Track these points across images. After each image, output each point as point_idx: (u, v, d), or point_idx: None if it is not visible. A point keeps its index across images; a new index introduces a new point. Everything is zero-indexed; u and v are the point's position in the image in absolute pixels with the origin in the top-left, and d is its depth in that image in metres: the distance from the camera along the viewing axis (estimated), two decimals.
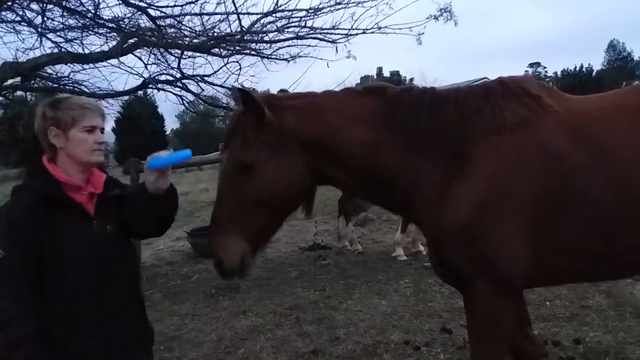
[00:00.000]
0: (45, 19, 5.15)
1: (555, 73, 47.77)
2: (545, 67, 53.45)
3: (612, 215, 2.25)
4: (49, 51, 6.69)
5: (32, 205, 1.99)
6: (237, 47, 8.30)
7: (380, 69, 39.52)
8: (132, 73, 6.82)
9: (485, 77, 44.99)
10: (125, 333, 2.14)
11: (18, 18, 5.17)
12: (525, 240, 2.24)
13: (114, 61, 6.68)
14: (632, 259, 2.41)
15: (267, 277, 6.88)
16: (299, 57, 8.88)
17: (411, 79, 38.21)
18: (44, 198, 2.01)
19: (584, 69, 48.31)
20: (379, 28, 8.16)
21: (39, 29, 5.33)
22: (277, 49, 8.65)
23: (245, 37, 7.93)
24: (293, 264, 7.46)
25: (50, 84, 8.08)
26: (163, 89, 7.29)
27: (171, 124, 58.52)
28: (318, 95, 2.51)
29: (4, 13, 5.11)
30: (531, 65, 52.27)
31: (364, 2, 7.49)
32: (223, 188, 2.37)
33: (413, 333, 4.55)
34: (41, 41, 5.48)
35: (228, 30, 7.61)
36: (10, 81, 7.04)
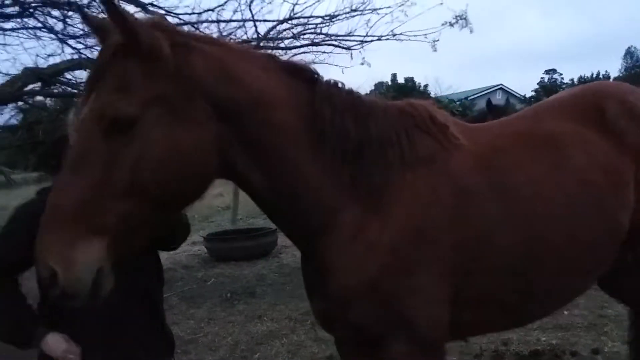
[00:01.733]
0: (66, 25, 5.25)
1: (572, 80, 47.33)
2: (561, 74, 52.98)
3: (525, 261, 2.03)
4: (68, 57, 6.84)
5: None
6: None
7: (394, 75, 39.39)
8: None
9: (501, 84, 44.78)
10: (143, 344, 2.14)
11: (39, 24, 5.26)
12: (443, 292, 1.93)
13: None
14: (541, 309, 2.31)
15: (283, 282, 6.90)
16: (314, 63, 8.95)
17: (425, 86, 38.03)
18: None
19: (600, 76, 47.87)
20: (394, 35, 8.18)
21: (60, 36, 5.43)
22: (293, 55, 8.73)
23: (261, 44, 8.02)
24: None
25: (69, 89, 8.22)
26: None
27: None
28: (232, 48, 1.85)
29: (26, 20, 5.21)
30: (547, 72, 51.83)
31: (379, 9, 7.53)
32: (77, 159, 1.53)
33: (467, 345, 4.53)
34: (62, 47, 5.59)
35: (245, 37, 7.70)
36: (30, 86, 7.16)
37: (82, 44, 6.01)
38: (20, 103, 8.73)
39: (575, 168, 2.13)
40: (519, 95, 42.97)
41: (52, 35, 5.61)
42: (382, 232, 1.83)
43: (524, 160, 2.10)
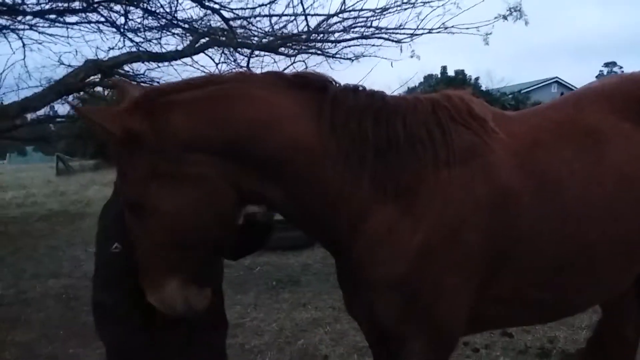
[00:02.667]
0: (127, 20, 5.50)
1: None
2: (621, 67, 50.75)
3: (555, 259, 2.01)
4: (126, 50, 7.16)
5: None
6: (303, 47, 8.49)
7: (444, 68, 38.65)
8: (203, 72, 7.14)
9: (557, 77, 43.20)
10: (210, 319, 2.28)
11: (102, 19, 5.55)
12: (470, 291, 1.93)
13: (187, 60, 7.01)
14: (569, 307, 2.32)
15: (327, 272, 7.00)
16: (363, 56, 8.97)
17: (477, 78, 37.21)
18: None
19: None
20: (445, 28, 8.10)
21: (122, 30, 5.70)
22: (342, 49, 8.78)
23: (311, 37, 8.12)
24: None
25: (128, 80, 8.58)
26: None
27: None
28: (224, 82, 1.82)
29: (89, 14, 5.50)
30: (606, 64, 49.71)
31: (431, 1, 7.48)
32: (131, 233, 1.81)
33: (473, 335, 4.53)
34: (124, 41, 5.87)
35: (295, 31, 7.82)
36: (90, 78, 7.51)
37: (142, 37, 6.28)
38: (81, 93, 9.14)
39: (615, 164, 2.06)
40: (575, 89, 41.45)
41: (114, 29, 5.88)
42: (413, 233, 1.82)
43: (564, 156, 2.04)
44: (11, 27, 5.51)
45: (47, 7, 4.93)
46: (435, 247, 1.83)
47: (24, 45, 5.79)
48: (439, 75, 38.03)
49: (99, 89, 9.51)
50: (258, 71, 7.96)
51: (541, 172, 1.98)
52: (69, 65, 6.94)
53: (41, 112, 6.56)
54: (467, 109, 1.98)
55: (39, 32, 5.64)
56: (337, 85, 1.89)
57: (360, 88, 1.92)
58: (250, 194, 1.84)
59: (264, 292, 6.22)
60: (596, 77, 43.25)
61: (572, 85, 42.62)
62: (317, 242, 2.23)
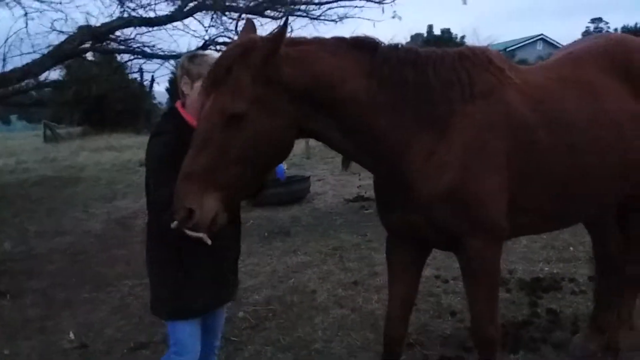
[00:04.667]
0: None
1: (616, 29, 45.38)
2: (607, 23, 50.84)
3: (563, 179, 2.60)
4: (118, 15, 7.41)
5: (170, 143, 2.37)
6: (288, 9, 8.78)
7: (430, 27, 38.60)
8: (194, 36, 7.45)
9: (542, 35, 43.24)
10: (231, 250, 2.68)
11: None
12: (504, 199, 2.45)
13: (178, 24, 7.29)
14: (575, 215, 2.97)
15: (315, 223, 7.55)
16: (346, 17, 9.28)
17: (462, 37, 37.16)
18: (182, 139, 2.29)
19: None
20: None
21: None
22: (326, 10, 9.08)
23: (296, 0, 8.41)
24: (338, 213, 8.10)
25: (117, 45, 8.83)
26: (222, 50, 7.92)
27: None
28: (310, 44, 2.32)
29: None
30: (593, 20, 49.76)
31: None
32: (203, 137, 2.12)
33: (444, 270, 5.10)
34: (123, 7, 6.15)
35: None
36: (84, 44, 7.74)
37: (135, 3, 6.56)
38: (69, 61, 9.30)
39: (609, 111, 2.68)
40: (561, 46, 41.55)
41: None
42: (449, 152, 2.34)
43: (570, 102, 2.62)
44: None
45: None
46: (469, 162, 2.35)
47: (26, 14, 6.05)
48: (425, 35, 38.01)
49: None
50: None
51: (551, 112, 2.56)
52: (61, 32, 7.21)
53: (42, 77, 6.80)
54: (487, 58, 2.51)
55: (42, 2, 5.89)
56: (383, 45, 2.40)
57: (400, 46, 2.46)
58: (311, 132, 2.37)
59: (257, 242, 6.73)
60: (582, 33, 43.43)
61: (558, 43, 42.69)
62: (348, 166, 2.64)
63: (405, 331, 2.92)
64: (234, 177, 2.14)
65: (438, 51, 2.48)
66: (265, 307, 4.58)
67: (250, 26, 2.49)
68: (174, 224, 2.13)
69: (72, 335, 4.35)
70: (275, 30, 2.22)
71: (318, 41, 2.36)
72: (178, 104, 2.56)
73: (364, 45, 2.35)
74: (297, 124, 2.25)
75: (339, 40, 2.36)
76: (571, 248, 5.50)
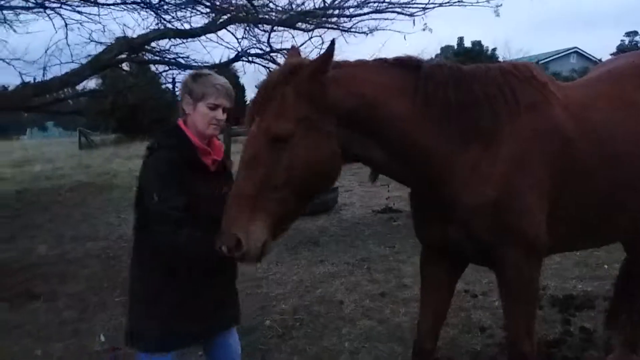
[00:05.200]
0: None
1: None
2: None
3: (603, 193, 2.59)
4: (154, 27, 7.61)
5: (172, 160, 2.29)
6: (320, 22, 8.88)
7: (461, 39, 38.33)
8: (227, 47, 7.60)
9: (576, 47, 42.51)
10: (230, 271, 2.54)
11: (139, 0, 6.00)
12: (544, 212, 2.44)
13: (211, 36, 7.45)
14: (614, 232, 2.91)
15: (343, 234, 7.55)
16: (377, 30, 9.32)
17: (494, 49, 36.86)
18: (184, 157, 2.31)
19: None
20: (457, 0, 8.42)
21: (155, 9, 6.17)
22: (356, 23, 9.14)
23: (327, 12, 8.49)
24: (366, 224, 8.09)
25: (152, 56, 9.05)
26: (254, 62, 8.05)
27: (251, 93, 60.18)
28: (353, 66, 2.36)
29: None
30: (628, 34, 48.64)
31: None
32: (249, 161, 2.12)
33: (473, 284, 5.04)
34: (158, 19, 6.33)
35: (312, 7, 8.21)
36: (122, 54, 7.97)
37: (172, 16, 6.74)
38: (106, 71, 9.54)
39: None
40: (595, 59, 40.82)
41: (147, 9, 6.35)
42: (493, 165, 2.34)
43: (608, 117, 2.62)
44: (55, 8, 5.99)
45: None
46: (513, 175, 2.35)
47: (66, 25, 6.27)
48: (456, 47, 37.80)
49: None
50: (277, 46, 8.39)
51: (592, 127, 2.56)
52: (99, 42, 7.44)
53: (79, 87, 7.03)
54: (530, 73, 2.53)
55: (81, 13, 6.11)
56: (426, 63, 2.41)
57: (442, 64, 2.45)
58: (355, 157, 2.33)
59: (284, 251, 6.77)
60: (617, 47, 42.53)
61: (592, 56, 41.92)
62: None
63: (435, 344, 2.90)
64: (280, 202, 2.11)
65: (482, 67, 2.50)
66: (292, 317, 4.59)
67: (295, 52, 2.53)
68: (223, 249, 2.06)
69: (102, 338, 4.44)
70: (323, 52, 2.18)
71: (362, 63, 2.40)
72: (180, 122, 2.46)
73: (407, 65, 2.38)
74: (341, 145, 2.22)
75: (382, 61, 2.40)
76: (605, 266, 5.36)
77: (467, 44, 37.81)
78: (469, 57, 28.71)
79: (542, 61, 35.31)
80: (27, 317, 5.04)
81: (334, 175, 2.29)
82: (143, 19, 6.61)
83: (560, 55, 41.04)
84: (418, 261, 5.86)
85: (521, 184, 2.37)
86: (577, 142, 2.49)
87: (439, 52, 38.03)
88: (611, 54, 40.20)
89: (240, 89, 47.14)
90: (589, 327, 4.01)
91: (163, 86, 17.70)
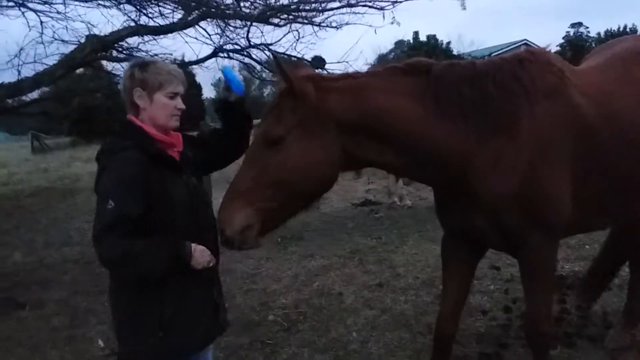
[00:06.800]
0: None
1: (599, 34, 46.15)
2: (587, 28, 51.55)
3: (625, 176, 2.69)
4: (125, 24, 7.41)
5: (140, 161, 2.06)
6: (291, 17, 8.85)
7: (416, 33, 38.90)
8: (205, 43, 7.50)
9: (525, 40, 43.88)
10: (216, 270, 2.38)
11: None
12: (568, 197, 2.53)
13: (189, 32, 7.33)
14: (632, 212, 2.97)
15: (326, 228, 7.59)
16: (347, 24, 9.37)
17: (448, 43, 37.60)
18: (151, 154, 2.11)
19: (628, 30, 46.70)
20: None
21: (137, 6, 6.01)
22: (328, 17, 9.16)
23: (300, 7, 8.47)
24: (348, 217, 8.16)
25: (123, 54, 8.80)
26: (231, 57, 7.96)
27: (207, 92, 59.33)
28: (363, 76, 2.44)
29: None
30: (573, 25, 50.41)
31: None
32: (248, 159, 2.30)
33: None
34: (139, 16, 6.17)
35: (284, 1, 8.18)
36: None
37: (144, 12, 6.58)
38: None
39: None
40: (609, 47, 41.99)
41: (120, 5, 6.17)
42: (517, 155, 2.39)
43: (628, 103, 2.69)
44: (28, 3, 5.75)
45: None
46: (537, 163, 2.41)
47: (41, 23, 6.04)
48: (411, 41, 38.33)
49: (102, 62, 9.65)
50: (257, 41, 8.31)
51: (611, 112, 2.63)
52: (63, 41, 7.19)
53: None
54: (547, 60, 2.59)
55: (58, 12, 5.89)
56: (438, 65, 2.46)
57: (455, 63, 2.50)
58: (361, 160, 2.40)
59: (272, 247, 6.72)
60: (562, 38, 44.15)
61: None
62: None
63: (456, 328, 2.98)
64: (270, 199, 2.21)
65: (496, 61, 2.56)
66: (295, 310, 4.61)
67: (299, 64, 2.60)
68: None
69: (101, 343, 4.33)
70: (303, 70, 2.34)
71: (370, 73, 2.48)
72: (132, 118, 2.22)
73: (417, 69, 2.43)
74: (346, 156, 2.30)
75: (391, 69, 2.45)
76: (587, 247, 5.62)
77: (422, 37, 38.41)
78: (424, 51, 29.16)
79: (495, 53, 36.17)
80: (15, 326, 4.86)
81: (328, 179, 2.35)
82: (123, 14, 6.34)
83: (511, 47, 42.23)
84: (407, 251, 6.06)
85: (546, 171, 2.44)
86: (597, 127, 2.57)
87: (392, 46, 38.51)
88: (557, 45, 41.80)
89: (197, 88, 46.51)
90: (584, 305, 4.19)
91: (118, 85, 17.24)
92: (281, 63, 2.25)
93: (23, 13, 5.77)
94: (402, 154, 2.38)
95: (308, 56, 8.66)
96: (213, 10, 8.14)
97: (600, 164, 2.60)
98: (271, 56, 2.59)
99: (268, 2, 8.14)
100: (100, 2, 6.07)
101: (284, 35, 7.71)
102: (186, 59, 8.22)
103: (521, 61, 2.53)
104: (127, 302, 2.17)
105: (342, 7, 9.01)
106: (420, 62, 2.47)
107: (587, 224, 3.02)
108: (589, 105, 2.57)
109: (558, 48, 40.61)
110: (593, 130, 2.55)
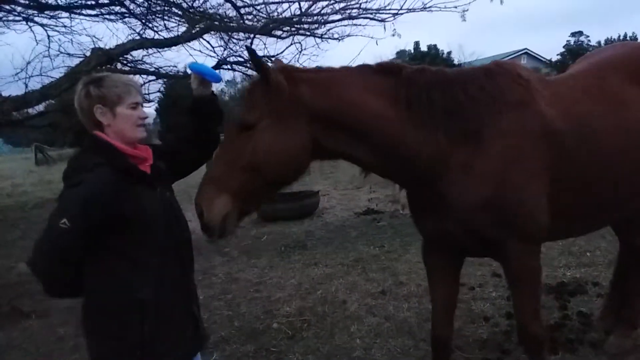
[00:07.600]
0: (149, 10, 5.90)
1: (599, 42, 46.35)
2: (588, 36, 51.73)
3: (594, 184, 2.72)
4: (130, 37, 7.53)
5: (112, 178, 1.93)
6: (294, 29, 8.97)
7: (417, 43, 39.22)
8: (209, 55, 7.61)
9: (526, 49, 44.09)
10: (194, 285, 2.35)
11: (126, 11, 5.94)
12: (541, 204, 2.54)
13: (194, 44, 7.45)
14: (606, 218, 3.13)
15: (330, 237, 7.64)
16: (348, 36, 9.49)
17: (449, 53, 37.93)
18: (122, 171, 2.02)
19: (628, 38, 46.87)
20: (426, 7, 8.67)
21: (143, 20, 6.12)
22: (330, 29, 9.29)
23: (302, 19, 8.60)
24: (351, 226, 8.21)
25: (128, 67, 8.92)
26: (235, 69, 8.06)
27: None
28: (335, 70, 2.50)
29: (113, 7, 5.89)
30: (573, 34, 50.65)
31: None
32: (223, 146, 2.38)
33: (468, 277, 5.22)
34: (145, 29, 6.28)
35: (287, 14, 8.30)
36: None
37: (149, 26, 6.69)
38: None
39: (635, 120, 2.78)
40: (544, 60, 42.45)
41: (125, 19, 6.28)
42: (486, 163, 2.43)
43: (596, 112, 2.72)
44: (35, 18, 5.86)
45: (77, 2, 5.30)
46: (507, 171, 2.44)
47: (48, 37, 6.15)
48: (412, 51, 38.58)
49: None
50: (260, 53, 8.45)
51: (579, 122, 2.65)
52: (69, 54, 7.31)
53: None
54: (515, 72, 2.64)
55: (64, 26, 6.00)
56: (409, 68, 2.51)
57: (425, 68, 2.54)
58: (330, 151, 2.44)
59: (276, 256, 6.81)
60: (563, 47, 44.29)
61: (541, 57, 43.61)
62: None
63: (451, 331, 3.03)
64: (245, 183, 2.27)
65: (466, 70, 2.62)
66: (298, 318, 4.65)
67: (275, 59, 2.67)
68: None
69: None
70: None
71: (343, 68, 2.53)
72: (99, 134, 2.11)
73: (389, 70, 2.48)
74: (315, 144, 2.35)
75: (362, 67, 2.51)
76: (588, 254, 5.66)
77: (423, 47, 38.67)
78: (426, 61, 29.37)
79: None
80: (21, 336, 4.92)
81: (299, 166, 2.40)
82: (128, 28, 6.46)
83: (511, 56, 42.52)
84: (410, 259, 6.10)
85: (516, 179, 2.46)
86: (566, 137, 2.58)
87: (394, 55, 38.73)
88: (558, 54, 41.99)
89: None
90: (586, 311, 4.23)
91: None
92: (255, 53, 2.30)
93: (30, 27, 5.87)
94: (372, 150, 2.42)
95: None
96: (217, 23, 8.29)
97: (572, 171, 2.63)
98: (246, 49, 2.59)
99: (271, 14, 8.28)
100: (105, 16, 6.16)
101: (287, 47, 7.82)
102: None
103: (490, 73, 2.59)
104: (106, 325, 2.05)
105: (344, 19, 9.15)
106: (392, 64, 2.55)
107: (569, 230, 3.07)
108: (557, 114, 2.59)
109: (559, 57, 40.78)
110: (561, 139, 2.57)
